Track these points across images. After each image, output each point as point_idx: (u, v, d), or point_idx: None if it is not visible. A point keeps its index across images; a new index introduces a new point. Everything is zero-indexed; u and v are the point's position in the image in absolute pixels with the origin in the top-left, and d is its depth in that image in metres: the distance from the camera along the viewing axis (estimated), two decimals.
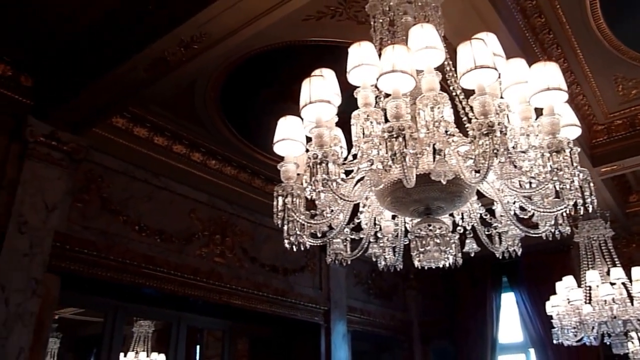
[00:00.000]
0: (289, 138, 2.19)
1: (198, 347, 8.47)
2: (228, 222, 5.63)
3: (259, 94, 4.82)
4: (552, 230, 2.10)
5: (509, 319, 7.78)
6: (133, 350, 7.97)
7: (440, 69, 2.14)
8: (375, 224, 2.54)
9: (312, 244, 2.29)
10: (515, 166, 1.95)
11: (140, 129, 4.87)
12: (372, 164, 1.94)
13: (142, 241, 4.74)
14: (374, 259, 2.57)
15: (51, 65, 4.10)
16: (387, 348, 8.01)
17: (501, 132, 1.71)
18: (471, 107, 1.95)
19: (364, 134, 2.01)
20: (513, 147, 1.97)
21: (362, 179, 2.21)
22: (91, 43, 3.89)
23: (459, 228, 2.44)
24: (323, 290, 6.57)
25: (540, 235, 2.13)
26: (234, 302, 5.41)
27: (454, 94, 2.30)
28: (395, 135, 1.73)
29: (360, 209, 2.49)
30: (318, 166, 1.85)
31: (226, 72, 4.45)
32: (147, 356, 8.13)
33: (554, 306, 5.19)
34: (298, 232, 2.21)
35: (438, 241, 2.09)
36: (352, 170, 2.20)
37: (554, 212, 1.95)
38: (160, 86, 3.99)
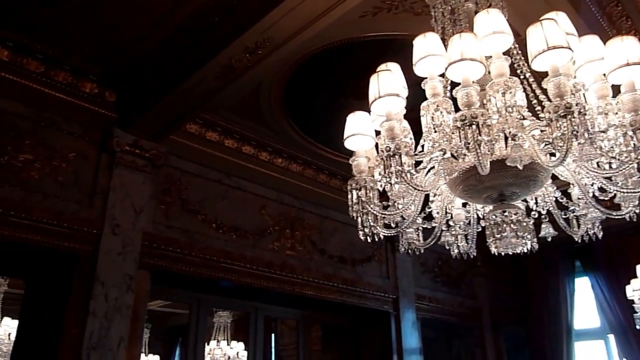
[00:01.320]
0: (359, 133, 2.17)
1: (273, 335, 8.65)
2: (297, 217, 5.69)
3: (320, 92, 4.82)
4: (636, 211, 1.96)
5: (584, 304, 7.39)
6: (215, 339, 8.25)
7: (506, 54, 2.05)
8: (446, 212, 2.48)
9: (386, 234, 2.25)
10: (594, 147, 1.83)
11: (212, 133, 5.00)
12: (444, 154, 1.88)
13: (220, 238, 4.87)
14: (446, 247, 2.51)
15: (130, 80, 4.28)
16: (457, 335, 7.84)
17: (580, 112, 1.60)
18: (542, 90, 1.86)
19: (434, 124, 1.95)
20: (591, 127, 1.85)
21: (432, 168, 2.16)
22: (164, 57, 4.02)
23: (533, 213, 2.33)
24: (390, 279, 6.50)
25: (622, 216, 2.00)
26: (306, 293, 5.47)
27: (522, 77, 2.20)
28: (468, 124, 1.67)
29: (431, 198, 2.43)
30: (391, 158, 1.81)
31: (288, 73, 4.48)
32: (228, 344, 8.39)
33: (635, 290, 4.87)
34: (372, 224, 2.18)
35: (514, 227, 2.01)
36: (421, 161, 2.15)
37: (638, 192, 1.82)
38: (228, 92, 4.07)
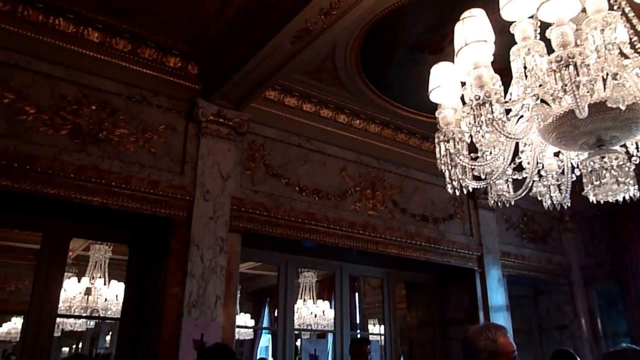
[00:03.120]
0: (444, 84, 2.12)
1: (357, 294, 8.85)
2: (377, 177, 5.70)
3: (395, 50, 4.72)
4: None
5: None
6: (301, 299, 8.57)
7: None
8: (537, 162, 2.39)
9: (475, 186, 2.22)
10: None
11: (290, 99, 5.09)
12: (537, 99, 1.80)
13: (303, 200, 5.01)
14: (538, 198, 2.42)
15: (211, 51, 4.42)
16: (545, 291, 7.62)
17: None
18: None
19: (525, 68, 1.86)
20: None
21: (521, 117, 2.08)
22: (241, 27, 4.09)
23: (634, 158, 2.19)
24: (474, 237, 6.39)
25: None
26: (389, 251, 5.51)
27: (620, 13, 2.03)
28: (564, 64, 1.58)
29: (521, 148, 2.35)
30: (481, 107, 1.77)
31: (363, 33, 4.41)
32: (314, 303, 8.70)
33: None
34: (460, 176, 2.15)
35: (615, 173, 1.90)
36: (510, 110, 2.07)
37: None
38: (304, 56, 4.09)
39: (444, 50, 4.35)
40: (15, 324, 12.12)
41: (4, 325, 12.16)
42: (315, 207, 5.06)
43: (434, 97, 2.17)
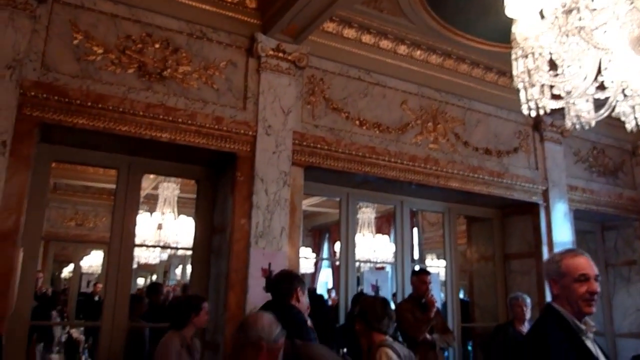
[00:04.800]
0: None
1: (415, 229, 8.88)
2: (438, 110, 5.53)
3: None
4: None
5: None
6: (360, 233, 8.70)
7: None
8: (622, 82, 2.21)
9: (554, 107, 2.09)
10: None
11: (349, 31, 4.93)
12: (631, 3, 1.64)
13: (364, 134, 4.95)
14: (622, 119, 2.26)
15: None
16: (613, 227, 7.32)
17: None
18: None
19: None
20: None
21: (610, 26, 1.90)
22: None
23: None
24: (539, 170, 6.16)
25: None
26: (451, 185, 5.42)
27: None
28: None
29: (604, 65, 2.17)
30: (568, 15, 1.63)
31: None
32: (373, 238, 8.83)
33: None
34: (537, 96, 2.03)
35: None
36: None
37: None
38: None
39: None
40: (95, 258, 13.14)
41: (85, 258, 13.21)
42: (375, 141, 5.00)
43: (509, 12, 2.02)
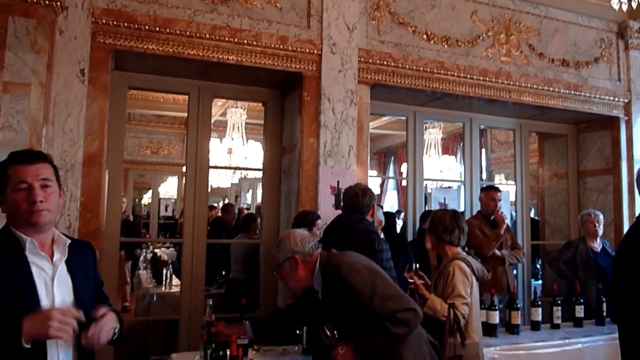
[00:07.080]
0: None
1: (484, 150, 8.65)
2: (511, 20, 5.16)
3: None
4: None
5: None
6: (427, 154, 8.58)
7: None
8: None
9: None
10: None
11: None
12: None
13: (431, 48, 4.75)
14: None
15: None
16: None
17: None
18: None
19: None
20: None
21: None
22: None
23: None
24: (622, 82, 5.71)
25: None
26: (524, 100, 5.15)
27: None
28: None
29: None
30: None
31: None
32: (439, 159, 8.71)
33: None
34: None
35: None
36: None
37: None
38: None
39: None
40: (171, 184, 13.91)
41: (162, 185, 14.03)
42: (444, 56, 4.78)
43: None
